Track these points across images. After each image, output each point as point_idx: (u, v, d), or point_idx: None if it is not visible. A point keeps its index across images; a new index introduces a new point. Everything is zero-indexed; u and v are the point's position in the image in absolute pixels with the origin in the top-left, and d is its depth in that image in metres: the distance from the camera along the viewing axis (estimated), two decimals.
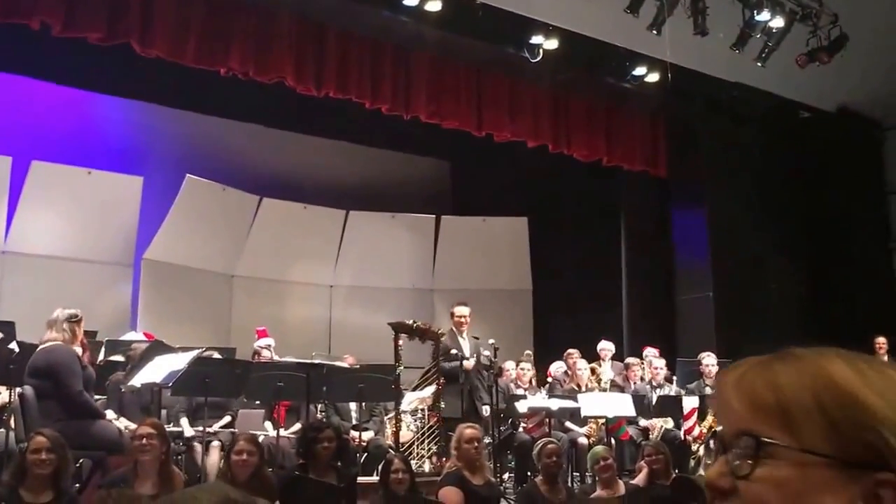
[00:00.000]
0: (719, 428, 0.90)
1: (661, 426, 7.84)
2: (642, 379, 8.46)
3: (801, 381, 0.78)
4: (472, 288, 10.95)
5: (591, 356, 8.75)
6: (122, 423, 5.72)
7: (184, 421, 6.39)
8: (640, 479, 5.97)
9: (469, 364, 7.36)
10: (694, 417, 7.69)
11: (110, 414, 5.86)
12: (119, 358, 6.66)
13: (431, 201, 11.68)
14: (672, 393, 8.16)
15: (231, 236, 10.26)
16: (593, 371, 8.42)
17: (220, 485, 1.30)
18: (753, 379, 0.82)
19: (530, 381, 8.31)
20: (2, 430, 5.44)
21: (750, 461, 0.77)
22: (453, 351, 7.31)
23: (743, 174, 10.11)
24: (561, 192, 11.04)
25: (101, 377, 6.16)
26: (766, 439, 0.77)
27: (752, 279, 9.88)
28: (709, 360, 8.22)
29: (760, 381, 0.81)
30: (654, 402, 7.90)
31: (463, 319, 7.58)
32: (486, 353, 7.98)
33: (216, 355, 6.76)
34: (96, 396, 5.80)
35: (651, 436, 7.66)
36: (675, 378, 8.63)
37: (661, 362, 8.49)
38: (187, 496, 1.24)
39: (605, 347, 8.95)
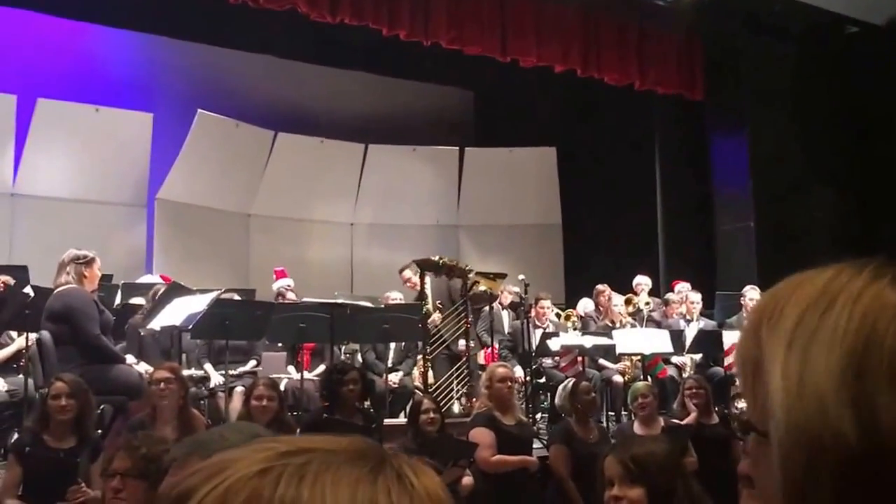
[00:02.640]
0: None
1: (692, 360, 7.61)
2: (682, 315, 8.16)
3: None
4: (499, 223, 10.67)
5: (627, 292, 8.42)
6: (143, 368, 5.58)
7: (208, 366, 6.22)
8: (691, 419, 5.73)
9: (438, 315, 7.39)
10: (734, 353, 7.37)
11: (130, 358, 5.72)
12: (140, 300, 6.47)
13: (454, 132, 11.25)
14: (708, 328, 7.86)
15: (246, 174, 9.96)
16: (629, 301, 8.11)
17: (249, 424, 1.33)
18: None
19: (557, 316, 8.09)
20: (21, 376, 5.35)
21: None
22: None
23: (785, 95, 9.57)
24: (591, 119, 10.57)
25: (118, 321, 5.99)
26: None
27: (795, 208, 9.43)
28: (752, 294, 7.84)
29: None
30: (690, 338, 7.62)
31: (409, 284, 7.73)
32: (516, 289, 7.81)
33: (235, 297, 6.56)
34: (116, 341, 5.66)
35: (684, 374, 7.43)
36: (713, 313, 8.33)
37: (698, 296, 8.18)
38: (215, 435, 1.27)
39: (642, 282, 8.61)
